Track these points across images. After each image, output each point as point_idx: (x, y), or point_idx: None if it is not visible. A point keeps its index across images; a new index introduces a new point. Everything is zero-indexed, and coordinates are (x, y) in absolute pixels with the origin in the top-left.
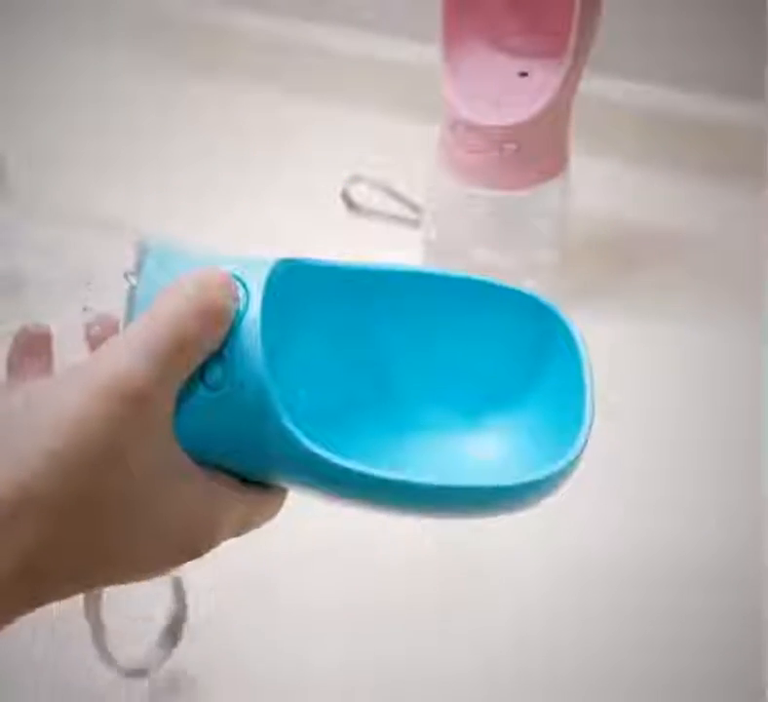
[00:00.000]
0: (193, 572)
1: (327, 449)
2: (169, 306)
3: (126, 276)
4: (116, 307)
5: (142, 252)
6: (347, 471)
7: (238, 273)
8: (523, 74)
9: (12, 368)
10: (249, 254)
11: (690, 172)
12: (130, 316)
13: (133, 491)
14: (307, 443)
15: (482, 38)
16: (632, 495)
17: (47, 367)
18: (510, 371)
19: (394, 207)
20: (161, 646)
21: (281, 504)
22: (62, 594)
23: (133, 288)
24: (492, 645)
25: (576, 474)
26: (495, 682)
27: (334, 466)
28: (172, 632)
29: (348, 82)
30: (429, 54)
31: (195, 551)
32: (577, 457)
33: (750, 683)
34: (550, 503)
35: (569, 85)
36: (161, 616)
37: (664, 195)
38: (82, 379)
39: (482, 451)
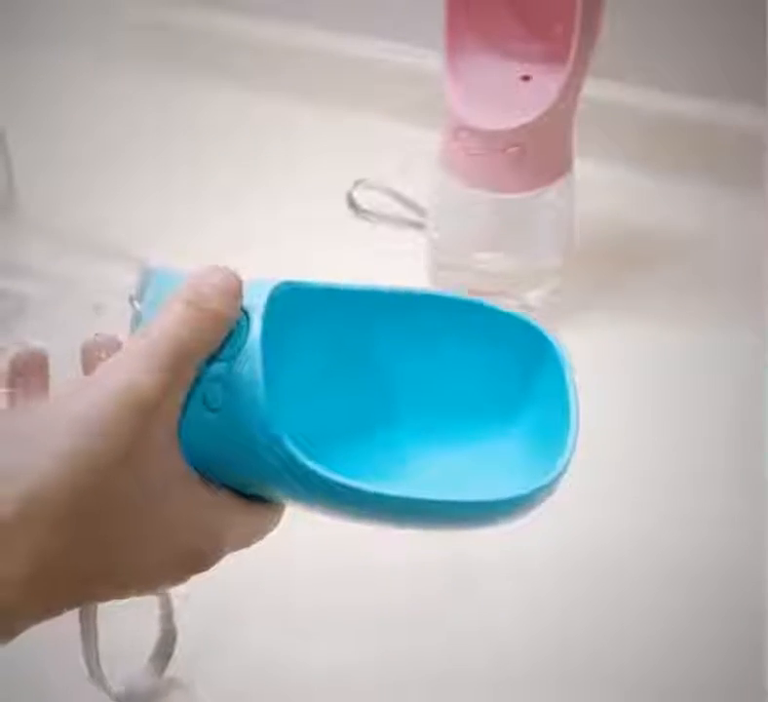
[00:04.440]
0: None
1: (325, 465)
2: (167, 315)
3: (130, 301)
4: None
5: (145, 276)
6: (343, 487)
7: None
8: (526, 78)
9: (10, 388)
10: (249, 278)
11: (693, 174)
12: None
13: (139, 499)
14: (306, 462)
15: (485, 42)
16: (638, 495)
17: (45, 388)
18: (501, 391)
19: (398, 210)
20: (152, 668)
21: (280, 518)
22: (71, 603)
23: (138, 312)
24: (499, 643)
25: (584, 473)
26: (503, 680)
27: (332, 483)
28: (163, 653)
29: (351, 86)
30: (432, 58)
31: (201, 563)
32: (553, 482)
33: (754, 681)
34: (558, 502)
35: (572, 88)
36: (151, 637)
37: (667, 197)
38: (93, 389)
39: (472, 467)
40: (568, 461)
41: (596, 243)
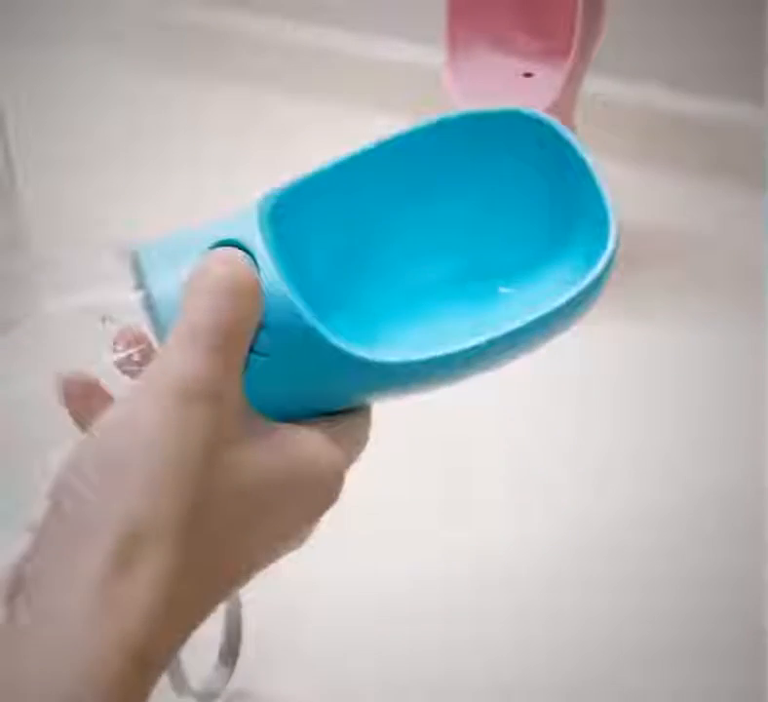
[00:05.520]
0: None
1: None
2: (208, 298)
3: (136, 291)
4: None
5: (133, 258)
6: (408, 364)
7: (234, 238)
8: (527, 75)
9: (80, 420)
10: (228, 212)
11: (690, 172)
12: (157, 323)
13: (240, 478)
14: (369, 356)
15: (486, 39)
16: (632, 496)
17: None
18: (533, 213)
19: None
20: (223, 666)
21: (370, 418)
22: (217, 601)
23: (146, 298)
24: (493, 649)
25: (573, 475)
26: (497, 685)
27: (399, 366)
28: (231, 650)
29: (350, 83)
30: (433, 55)
31: (331, 493)
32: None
33: (751, 688)
34: (550, 503)
35: (572, 85)
36: (219, 635)
37: (664, 195)
38: (152, 396)
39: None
40: (610, 262)
41: None
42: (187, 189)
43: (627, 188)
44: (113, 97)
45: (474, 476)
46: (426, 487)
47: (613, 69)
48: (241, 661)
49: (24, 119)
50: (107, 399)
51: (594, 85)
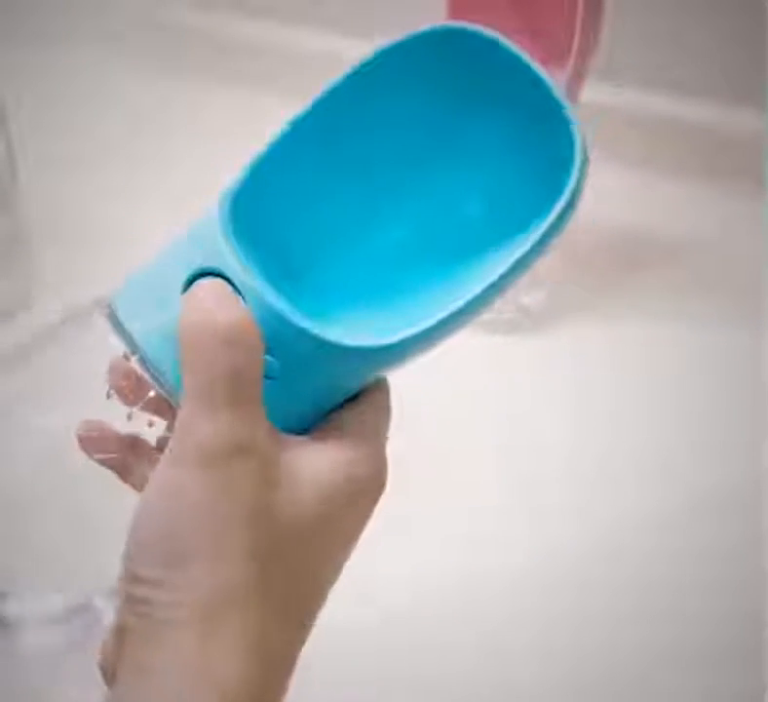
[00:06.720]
0: None
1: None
2: (205, 351)
3: (125, 356)
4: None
5: (110, 312)
6: (411, 339)
7: (206, 266)
8: None
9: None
10: (190, 228)
11: (691, 176)
12: (158, 371)
13: (292, 518)
14: (375, 343)
15: None
16: (629, 497)
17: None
18: (491, 169)
19: None
20: None
21: (388, 388)
22: (304, 637)
23: (137, 353)
24: (488, 651)
25: (572, 477)
26: (491, 687)
27: (389, 348)
28: None
29: None
30: None
31: (375, 498)
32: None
33: (751, 691)
34: (548, 506)
35: (572, 89)
36: None
37: (665, 199)
38: (188, 466)
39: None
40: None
41: (595, 245)
42: (186, 189)
43: (628, 190)
44: (113, 97)
45: (473, 478)
46: (425, 493)
47: (613, 71)
48: None
49: (25, 118)
50: (131, 447)
51: (594, 87)
